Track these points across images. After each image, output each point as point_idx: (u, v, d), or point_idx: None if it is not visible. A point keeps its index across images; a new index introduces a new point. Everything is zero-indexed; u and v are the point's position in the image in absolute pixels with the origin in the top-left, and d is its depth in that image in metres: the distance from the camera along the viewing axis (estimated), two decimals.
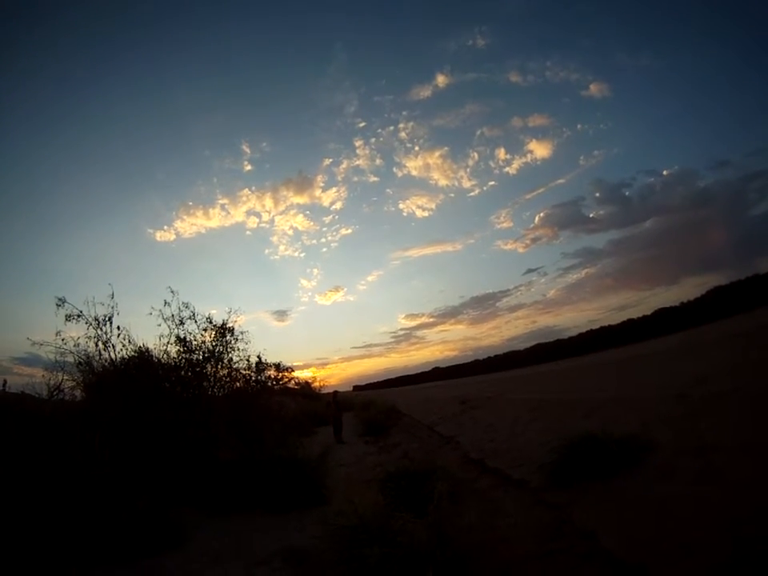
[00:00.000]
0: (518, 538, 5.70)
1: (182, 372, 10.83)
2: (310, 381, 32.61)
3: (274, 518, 7.82)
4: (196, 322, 11.68)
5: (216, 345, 11.89)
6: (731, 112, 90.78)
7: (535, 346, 74.18)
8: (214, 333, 11.97)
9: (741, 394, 8.36)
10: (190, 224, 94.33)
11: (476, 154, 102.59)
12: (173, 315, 11.32)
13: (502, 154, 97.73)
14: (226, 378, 12.07)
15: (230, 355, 12.25)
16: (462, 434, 14.22)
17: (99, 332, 10.06)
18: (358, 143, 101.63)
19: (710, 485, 5.27)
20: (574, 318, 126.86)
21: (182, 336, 11.27)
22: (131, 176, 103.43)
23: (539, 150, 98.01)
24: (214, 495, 8.18)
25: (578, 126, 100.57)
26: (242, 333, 12.66)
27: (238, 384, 12.57)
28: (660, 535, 4.58)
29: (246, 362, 13.07)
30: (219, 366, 11.83)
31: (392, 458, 11.78)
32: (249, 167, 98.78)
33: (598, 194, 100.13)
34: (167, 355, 11.02)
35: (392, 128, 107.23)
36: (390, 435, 18.09)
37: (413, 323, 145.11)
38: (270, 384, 14.53)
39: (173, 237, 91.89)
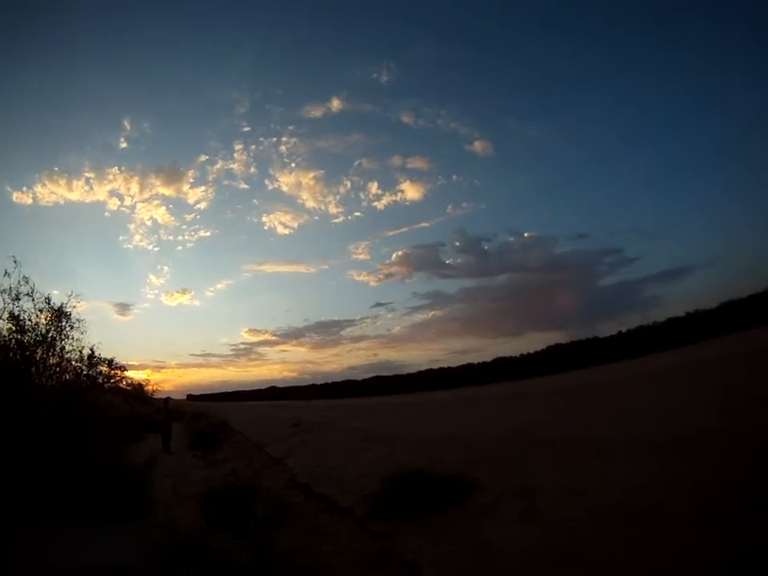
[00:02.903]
0: (342, 564, 5.84)
1: (11, 354, 9.91)
2: (143, 383, 31.06)
3: (95, 528, 7.33)
4: (34, 300, 10.72)
5: (50, 329, 11.07)
6: (598, 190, 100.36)
7: (374, 378, 75.47)
8: (50, 315, 11.15)
9: (568, 441, 9.12)
10: (51, 191, 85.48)
11: (349, 183, 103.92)
12: (10, 288, 10.33)
13: (374, 187, 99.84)
14: (55, 367, 11.23)
15: (63, 343, 11.48)
16: (291, 456, 14.22)
17: None
18: (237, 147, 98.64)
19: (532, 524, 5.72)
20: (417, 356, 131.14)
21: (17, 314, 10.31)
22: None
23: (411, 191, 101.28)
24: (29, 498, 7.47)
25: (454, 177, 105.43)
26: (78, 320, 11.90)
27: (67, 376, 11.74)
28: (482, 570, 4.96)
29: (79, 354, 12.30)
30: (50, 353, 11.00)
31: (219, 474, 11.58)
32: (125, 144, 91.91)
33: (458, 243, 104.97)
34: None
35: (275, 139, 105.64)
36: (220, 450, 17.68)
37: (255, 339, 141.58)
38: (100, 380, 13.70)
39: (30, 201, 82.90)
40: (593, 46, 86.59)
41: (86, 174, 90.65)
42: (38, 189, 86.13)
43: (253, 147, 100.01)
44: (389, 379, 71.06)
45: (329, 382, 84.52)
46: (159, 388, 32.74)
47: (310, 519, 8.01)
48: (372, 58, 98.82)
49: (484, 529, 5.94)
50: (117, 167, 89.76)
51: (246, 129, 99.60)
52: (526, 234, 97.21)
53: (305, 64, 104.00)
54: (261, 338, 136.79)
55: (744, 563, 3.88)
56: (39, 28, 75.52)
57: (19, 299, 10.38)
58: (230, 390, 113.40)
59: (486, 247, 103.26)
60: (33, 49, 77.02)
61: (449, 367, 65.94)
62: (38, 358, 10.50)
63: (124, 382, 15.92)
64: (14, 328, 10.12)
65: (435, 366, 68.70)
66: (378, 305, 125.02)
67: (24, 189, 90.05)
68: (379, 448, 12.76)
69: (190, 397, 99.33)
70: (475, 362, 63.88)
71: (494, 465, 8.52)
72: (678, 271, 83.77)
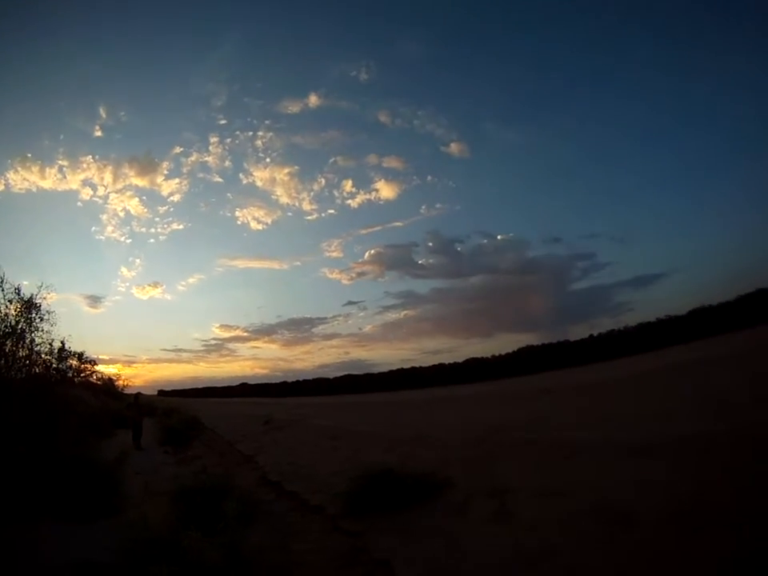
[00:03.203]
0: (315, 562, 5.90)
1: None
2: (114, 378, 30.76)
3: (66, 526, 7.18)
4: (3, 290, 10.54)
5: (19, 321, 10.90)
6: (572, 195, 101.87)
7: (345, 376, 75.66)
8: (19, 307, 10.97)
9: (538, 442, 9.32)
10: (23, 178, 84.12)
11: (324, 180, 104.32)
12: None
13: (348, 185, 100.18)
14: (24, 359, 11.06)
15: (33, 335, 11.29)
16: (262, 453, 14.22)
17: None
18: (213, 140, 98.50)
19: (503, 524, 5.82)
20: (388, 355, 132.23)
21: None
22: None
23: (386, 190, 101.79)
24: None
25: (429, 177, 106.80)
26: (48, 312, 11.70)
27: (36, 369, 11.57)
28: (454, 569, 5.06)
29: (49, 346, 12.12)
30: (20, 346, 10.83)
31: (190, 471, 11.53)
32: (99, 133, 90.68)
33: (431, 244, 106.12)
34: None
35: (251, 133, 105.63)
36: (191, 447, 17.54)
37: (226, 334, 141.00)
38: (70, 374, 13.53)
39: (1, 188, 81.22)
40: (575, 46, 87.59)
41: (60, 162, 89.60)
42: (11, 175, 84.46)
43: (228, 140, 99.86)
44: (360, 378, 71.31)
45: (300, 379, 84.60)
46: (130, 383, 32.52)
47: (282, 517, 8.04)
48: (352, 56, 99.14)
49: (456, 528, 6.06)
50: (91, 156, 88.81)
51: (223, 122, 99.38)
52: (499, 237, 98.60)
53: (285, 58, 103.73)
54: (232, 333, 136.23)
55: (722, 565, 4.00)
56: (17, 12, 73.99)
57: None
58: (202, 386, 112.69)
59: (459, 248, 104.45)
60: (9, 32, 75.45)
61: (420, 367, 66.64)
62: (6, 350, 10.33)
63: (94, 377, 15.85)
64: None
65: (407, 366, 69.47)
66: (350, 303, 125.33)
67: None
68: (350, 446, 12.85)
69: (161, 392, 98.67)
70: (447, 363, 64.53)
71: (465, 464, 8.65)
72: (650, 277, 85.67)
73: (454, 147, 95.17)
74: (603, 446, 8.10)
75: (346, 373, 79.30)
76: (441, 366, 64.80)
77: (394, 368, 71.73)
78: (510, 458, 8.59)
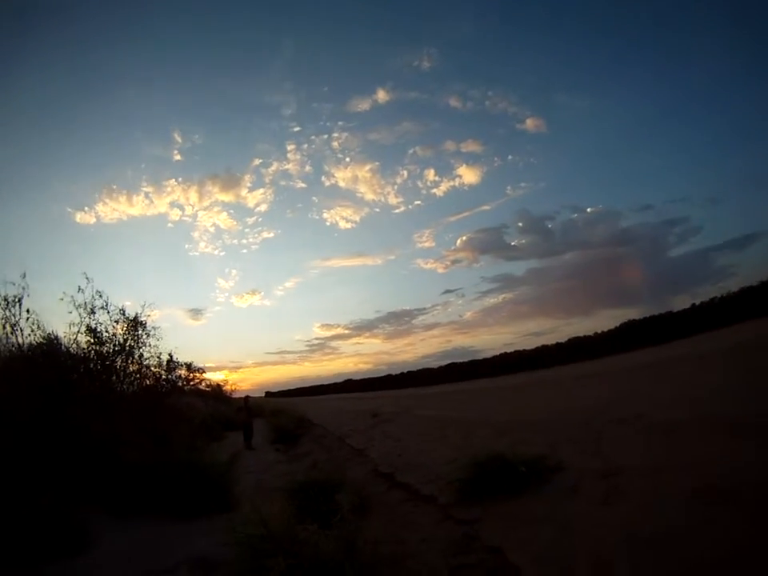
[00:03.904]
0: (427, 552, 5.72)
1: (91, 364, 10.27)
2: (221, 383, 31.85)
3: (181, 523, 7.53)
4: (108, 312, 11.15)
5: (127, 338, 11.44)
6: (658, 158, 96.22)
7: (449, 365, 74.95)
8: (126, 325, 11.52)
9: (644, 420, 8.76)
10: (112, 209, 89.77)
11: (405, 172, 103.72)
12: (85, 303, 10.71)
13: (431, 174, 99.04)
14: (135, 373, 11.60)
15: (141, 350, 11.84)
16: (372, 447, 14.17)
17: (8, 313, 9.38)
18: (290, 147, 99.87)
19: (614, 505, 5.49)
20: (490, 341, 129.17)
21: (93, 326, 10.69)
22: (56, 150, 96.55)
23: (468, 175, 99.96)
24: (121, 497, 7.75)
25: (509, 157, 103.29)
26: (154, 328, 12.27)
27: (147, 381, 12.11)
28: (567, 553, 4.73)
29: (157, 359, 12.67)
30: (129, 361, 11.37)
31: (302, 468, 11.65)
32: (178, 157, 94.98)
33: (521, 224, 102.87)
34: (77, 345, 10.38)
35: (326, 136, 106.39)
36: (301, 444, 17.91)
37: (328, 333, 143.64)
38: (180, 384, 14.09)
39: (93, 220, 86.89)
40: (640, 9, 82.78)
41: (145, 189, 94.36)
42: (100, 208, 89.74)
43: (305, 146, 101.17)
44: (464, 365, 70.49)
45: (404, 371, 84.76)
46: (237, 387, 33.60)
47: (394, 508, 7.90)
48: (411, 46, 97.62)
49: (568, 511, 5.74)
50: (173, 179, 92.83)
51: (297, 129, 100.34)
52: (588, 210, 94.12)
53: (344, 59, 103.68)
54: (334, 332, 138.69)
55: None
56: (85, 57, 79.24)
57: (95, 312, 10.81)
58: (307, 385, 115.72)
59: (549, 226, 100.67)
60: (82, 77, 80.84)
61: (523, 350, 64.79)
62: (117, 367, 10.88)
63: (203, 384, 16.40)
64: (92, 340, 10.53)
65: (509, 350, 67.55)
66: (448, 291, 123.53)
67: (86, 209, 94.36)
68: (459, 435, 12.56)
69: (268, 394, 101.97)
70: (549, 344, 62.70)
71: (574, 446, 8.26)
72: (748, 237, 78.93)
73: (529, 123, 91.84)
74: (706, 423, 7.51)
75: (450, 361, 78.77)
76: (544, 347, 62.97)
77: (497, 353, 70.48)
78: (618, 438, 8.12)
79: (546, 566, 4.60)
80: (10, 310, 9.36)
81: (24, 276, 9.54)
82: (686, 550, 4.19)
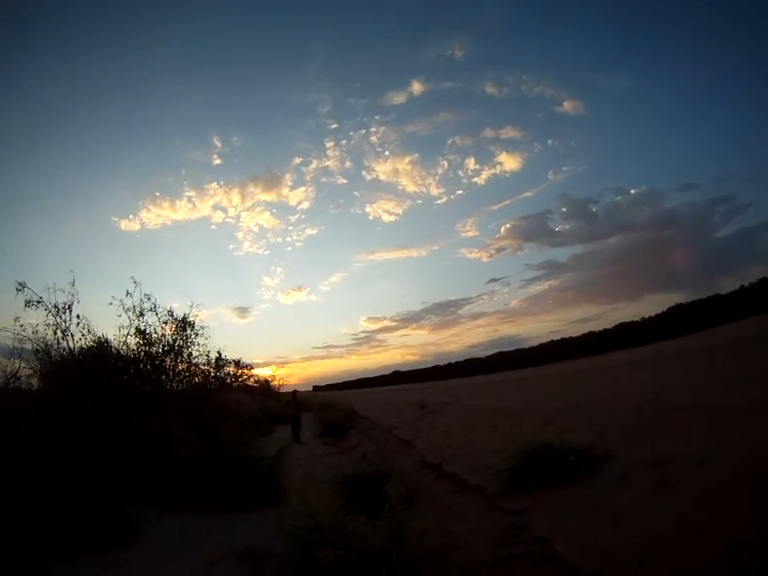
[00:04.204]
0: (474, 542, 5.67)
1: (141, 365, 10.62)
2: (269, 379, 32.24)
3: (231, 516, 7.73)
4: (157, 314, 11.50)
5: (176, 338, 11.74)
6: (702, 136, 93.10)
7: (496, 354, 74.51)
8: (174, 326, 11.83)
9: (697, 408, 8.51)
10: (156, 215, 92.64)
11: (446, 163, 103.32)
12: (134, 306, 11.08)
13: (471, 163, 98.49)
14: (184, 372, 11.90)
15: (190, 350, 12.13)
16: (419, 438, 14.18)
17: (58, 320, 9.74)
18: (328, 144, 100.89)
19: (667, 496, 5.32)
20: (536, 329, 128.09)
21: (142, 328, 11.05)
22: (99, 161, 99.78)
23: (509, 162, 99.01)
24: (171, 492, 8.04)
25: (549, 141, 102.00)
26: (202, 327, 12.54)
27: (196, 379, 12.40)
28: (615, 544, 4.62)
29: (206, 358, 12.95)
30: (178, 360, 11.67)
31: (350, 460, 11.74)
32: (218, 161, 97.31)
33: (564, 209, 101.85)
34: (126, 347, 10.78)
35: (364, 131, 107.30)
36: (349, 437, 18.08)
37: (374, 326, 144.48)
38: (228, 381, 14.37)
39: (137, 227, 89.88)
40: None
41: (187, 194, 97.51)
42: (144, 214, 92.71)
43: (344, 142, 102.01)
44: (510, 354, 69.98)
45: (451, 362, 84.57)
46: (285, 382, 33.96)
47: (442, 499, 7.89)
48: (442, 36, 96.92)
49: (616, 502, 5.58)
50: (215, 182, 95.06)
51: (334, 126, 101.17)
52: (632, 191, 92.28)
53: (376, 54, 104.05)
54: (380, 324, 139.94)
55: None
56: (123, 74, 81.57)
57: (143, 315, 11.17)
58: (354, 379, 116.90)
59: (593, 209, 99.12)
60: (121, 94, 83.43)
61: (570, 337, 64.00)
62: (167, 366, 11.18)
63: (251, 380, 16.64)
64: (141, 342, 10.87)
65: (556, 338, 66.88)
66: (493, 280, 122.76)
67: (130, 217, 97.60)
68: (506, 424, 12.44)
69: (316, 388, 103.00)
70: (596, 330, 61.66)
71: (623, 435, 8.02)
72: None
73: (567, 105, 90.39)
74: (762, 410, 7.15)
75: (497, 351, 78.24)
76: (590, 334, 61.90)
77: (544, 341, 69.66)
78: (669, 426, 7.80)
79: (594, 557, 4.52)
80: (60, 317, 9.78)
81: (73, 283, 9.94)
82: (737, 541, 4.01)
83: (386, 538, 4.90)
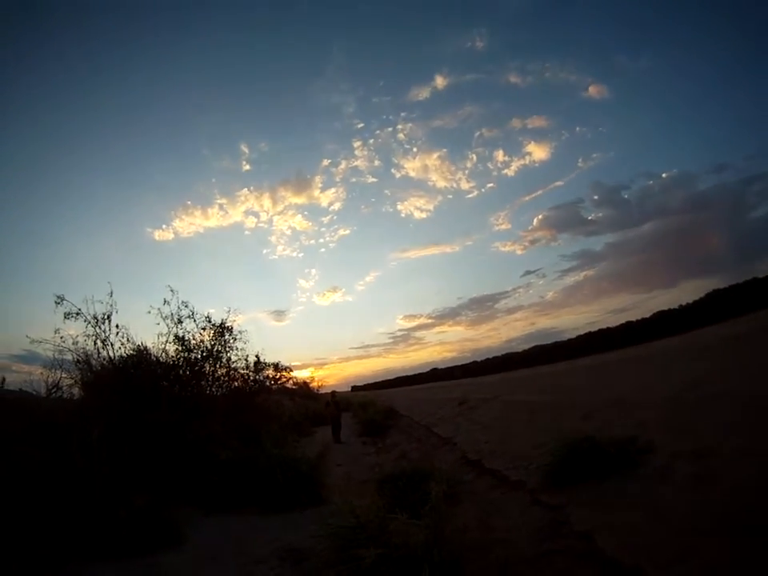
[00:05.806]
0: (515, 538, 5.63)
1: (180, 371, 10.83)
2: (308, 381, 32.52)
3: (272, 517, 7.81)
4: (195, 321, 11.73)
5: (214, 344, 11.92)
6: (730, 115, 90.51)
7: (533, 348, 73.41)
8: (212, 332, 12.02)
9: (738, 397, 8.31)
10: (189, 223, 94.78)
11: (474, 156, 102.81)
12: (171, 314, 11.34)
13: (500, 155, 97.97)
14: (224, 377, 12.10)
15: (229, 354, 12.32)
16: (459, 434, 14.11)
17: (98, 330, 10.06)
18: (356, 144, 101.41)
19: (707, 489, 5.22)
20: (573, 320, 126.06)
21: (181, 335, 11.29)
22: (130, 175, 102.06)
23: (538, 151, 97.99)
24: (212, 494, 8.17)
25: (577, 128, 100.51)
26: (240, 332, 12.74)
27: (236, 383, 12.59)
28: (656, 538, 4.55)
29: (245, 362, 13.13)
30: (218, 365, 11.86)
31: (390, 459, 11.78)
32: (247, 167, 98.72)
33: (596, 197, 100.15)
34: (165, 354, 11.02)
35: (390, 129, 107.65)
36: (388, 436, 18.08)
37: (411, 324, 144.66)
38: (268, 383, 14.55)
39: (171, 236, 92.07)
40: None
41: (218, 201, 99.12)
42: (176, 224, 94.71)
43: (371, 141, 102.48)
44: (549, 347, 69.04)
45: (489, 357, 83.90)
46: (324, 383, 34.23)
47: (483, 495, 7.83)
48: (460, 29, 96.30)
49: (657, 496, 5.47)
50: (246, 188, 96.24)
51: (360, 125, 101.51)
52: (663, 175, 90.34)
53: (396, 51, 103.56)
54: (417, 322, 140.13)
55: None
56: (148, 89, 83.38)
57: (181, 322, 11.37)
58: (393, 377, 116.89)
59: (625, 196, 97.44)
60: (146, 108, 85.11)
61: (608, 328, 62.74)
62: (206, 372, 11.38)
63: (290, 382, 16.85)
64: (180, 348, 11.05)
65: (594, 329, 65.59)
66: (528, 272, 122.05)
67: (163, 227, 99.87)
68: (546, 418, 12.29)
69: (354, 388, 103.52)
70: (634, 320, 60.42)
71: (664, 426, 7.84)
72: None
73: (592, 90, 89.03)
74: None
75: (535, 344, 77.38)
76: (629, 323, 60.57)
77: (582, 332, 68.51)
78: (710, 416, 7.59)
79: (634, 551, 4.45)
80: (99, 327, 10.07)
81: (111, 294, 10.22)
82: None
83: (427, 536, 4.89)
